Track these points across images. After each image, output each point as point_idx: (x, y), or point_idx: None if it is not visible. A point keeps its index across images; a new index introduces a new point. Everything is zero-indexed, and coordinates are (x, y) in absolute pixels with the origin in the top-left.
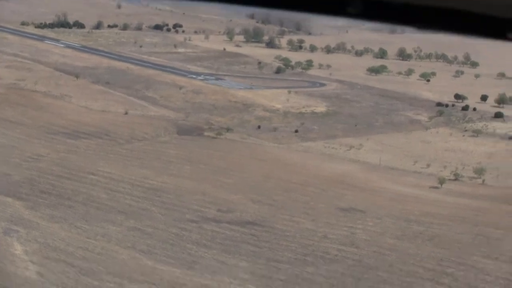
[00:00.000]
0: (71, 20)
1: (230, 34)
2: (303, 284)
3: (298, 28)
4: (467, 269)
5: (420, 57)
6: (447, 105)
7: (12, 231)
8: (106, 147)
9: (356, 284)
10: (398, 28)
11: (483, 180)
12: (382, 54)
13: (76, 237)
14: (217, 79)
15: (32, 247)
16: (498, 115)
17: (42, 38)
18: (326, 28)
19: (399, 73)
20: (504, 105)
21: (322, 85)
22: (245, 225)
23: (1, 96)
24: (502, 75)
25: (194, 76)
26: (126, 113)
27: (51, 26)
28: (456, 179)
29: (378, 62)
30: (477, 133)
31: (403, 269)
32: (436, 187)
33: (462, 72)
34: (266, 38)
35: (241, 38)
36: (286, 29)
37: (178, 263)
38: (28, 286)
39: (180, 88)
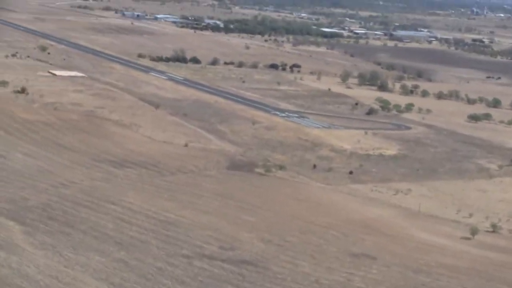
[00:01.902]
0: (189, 55)
1: (344, 76)
2: None
3: (419, 75)
4: None
5: None
6: None
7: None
8: (146, 178)
9: None
10: None
11: None
12: (495, 103)
13: (53, 266)
14: (300, 117)
15: (1, 273)
16: None
17: (148, 70)
18: (448, 77)
19: (501, 121)
20: None
21: (408, 128)
22: (238, 264)
23: (71, 123)
24: None
25: (277, 113)
26: (186, 145)
27: (167, 60)
28: (493, 231)
29: (487, 111)
30: None
31: None
32: (468, 238)
33: None
34: (389, 82)
35: (356, 81)
36: (406, 75)
37: None
38: None
39: (254, 123)
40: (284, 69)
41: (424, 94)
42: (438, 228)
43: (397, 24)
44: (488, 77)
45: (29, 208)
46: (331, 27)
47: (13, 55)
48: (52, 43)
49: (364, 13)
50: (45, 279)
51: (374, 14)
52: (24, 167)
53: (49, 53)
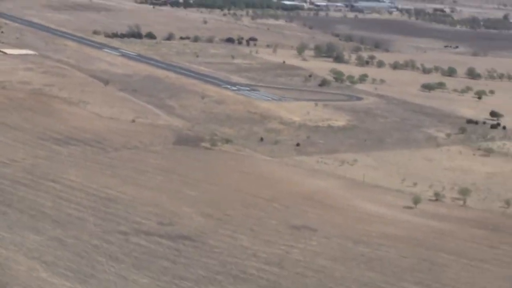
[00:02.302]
0: (145, 31)
1: (300, 48)
2: None
3: (376, 46)
4: None
5: (491, 77)
6: (477, 123)
7: None
8: (89, 155)
9: None
10: (481, 51)
11: (464, 202)
12: (450, 72)
13: (2, 243)
14: (251, 90)
15: None
16: None
17: (102, 47)
18: (406, 47)
19: (455, 90)
20: None
21: (359, 99)
22: (176, 240)
23: (18, 101)
24: None
25: (228, 87)
26: (133, 121)
27: (122, 36)
28: (436, 200)
29: (442, 80)
30: (489, 152)
31: None
32: (410, 207)
33: None
34: (346, 54)
35: (312, 53)
36: (363, 46)
37: (74, 276)
38: None
39: (203, 97)
40: (240, 43)
41: (380, 64)
42: (381, 198)
43: None
44: (446, 46)
45: None
46: (293, 0)
47: None
48: (6, 21)
49: None
50: None
51: None
52: None
53: (2, 32)
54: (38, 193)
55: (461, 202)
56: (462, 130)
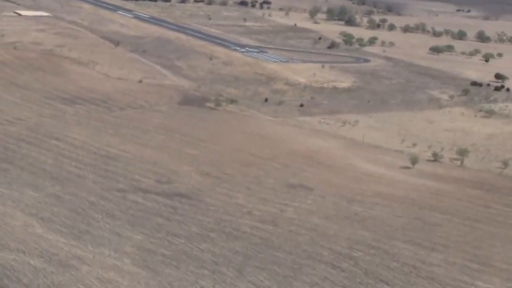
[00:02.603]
0: None
1: (313, 11)
2: (185, 260)
3: (389, 10)
4: (376, 254)
5: (501, 40)
6: (481, 85)
7: None
8: (94, 114)
9: (243, 263)
10: (493, 15)
11: (462, 162)
12: (460, 35)
13: None
14: (259, 51)
15: None
16: None
17: (116, 9)
18: (418, 11)
19: (463, 53)
20: None
21: (366, 61)
22: (172, 197)
23: (29, 61)
24: None
25: (237, 48)
26: (140, 81)
27: None
28: (434, 160)
29: (452, 43)
30: (491, 113)
31: (307, 250)
32: (408, 167)
33: None
34: (357, 17)
35: (325, 16)
36: (376, 10)
37: (69, 232)
38: None
39: (211, 58)
40: (253, 6)
41: (391, 27)
42: (380, 158)
43: None
44: (458, 10)
45: None
46: None
47: None
48: None
49: None
50: None
51: None
52: None
53: None
54: (40, 151)
55: (458, 163)
56: (466, 92)
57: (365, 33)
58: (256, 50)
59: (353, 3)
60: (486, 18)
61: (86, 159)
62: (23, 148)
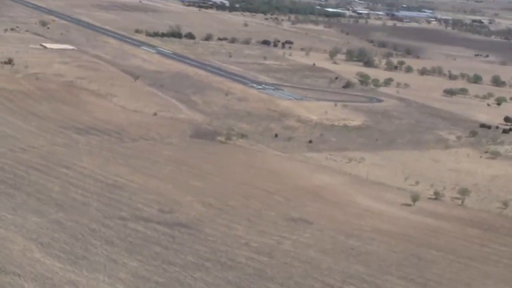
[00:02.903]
0: (185, 32)
1: (333, 52)
2: (192, 283)
3: (408, 53)
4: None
5: None
6: (490, 127)
7: None
8: (106, 144)
9: None
10: (510, 60)
11: (462, 202)
12: (476, 79)
13: (3, 224)
14: (275, 89)
15: None
16: None
17: (141, 45)
18: (437, 55)
19: (476, 96)
20: None
21: (379, 101)
22: (172, 226)
23: (49, 92)
24: None
25: (254, 85)
26: (155, 114)
27: (162, 35)
28: (436, 198)
29: (467, 86)
30: (496, 155)
31: (299, 282)
32: (409, 205)
33: None
34: (376, 58)
35: (344, 57)
36: (395, 52)
37: (66, 258)
38: None
39: (227, 94)
40: (275, 46)
41: (408, 70)
42: (382, 195)
43: (404, 5)
44: (476, 55)
45: None
46: (336, 8)
47: (12, 29)
48: (55, 18)
49: None
50: None
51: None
52: None
53: (48, 28)
54: (48, 178)
55: (459, 202)
56: (473, 134)
57: (382, 74)
58: (272, 88)
59: (373, 45)
60: (503, 63)
61: (93, 187)
62: (32, 175)
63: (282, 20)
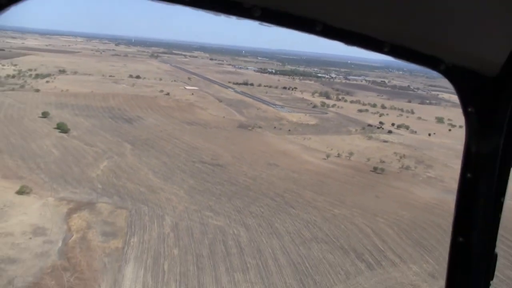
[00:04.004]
0: (249, 82)
1: (313, 92)
2: (206, 192)
3: (347, 93)
4: (295, 196)
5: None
6: (372, 125)
7: (111, 156)
8: (198, 129)
9: (232, 196)
10: (392, 98)
11: (349, 158)
12: (373, 105)
13: (133, 162)
14: (281, 107)
15: (110, 163)
16: (389, 132)
17: (227, 87)
18: (361, 95)
19: (375, 112)
20: (401, 128)
21: (326, 113)
22: (215, 166)
23: (181, 107)
24: (439, 119)
25: (271, 106)
26: (223, 117)
27: (239, 84)
28: (338, 156)
29: (369, 109)
30: (370, 138)
31: (263, 191)
32: (325, 159)
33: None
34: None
35: (318, 94)
36: (342, 93)
37: (163, 178)
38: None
39: (258, 109)
40: (289, 89)
41: (345, 100)
42: (314, 154)
43: (354, 74)
44: (378, 95)
45: (140, 140)
46: (322, 73)
47: (173, 81)
48: (195, 76)
49: (344, 69)
50: (125, 168)
51: (347, 70)
52: (150, 123)
53: (189, 79)
54: (167, 143)
55: (348, 158)
56: (363, 128)
57: (332, 103)
58: (280, 106)
59: (333, 89)
60: (388, 99)
61: (185, 147)
62: (161, 142)
63: (295, 78)
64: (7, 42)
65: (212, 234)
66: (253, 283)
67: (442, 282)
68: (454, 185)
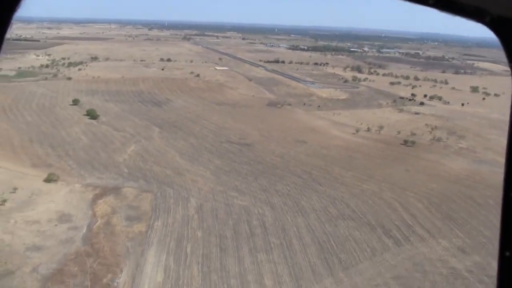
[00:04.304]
0: (281, 60)
1: (345, 67)
2: (233, 172)
3: (380, 66)
4: (323, 172)
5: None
6: (403, 98)
7: (139, 140)
8: (226, 109)
9: (259, 175)
10: (426, 69)
11: (379, 131)
12: (407, 77)
13: (161, 145)
14: (312, 83)
15: (137, 147)
16: (421, 103)
17: (258, 66)
18: (394, 68)
19: (404, 84)
20: (433, 99)
21: (357, 88)
22: (242, 145)
23: (210, 87)
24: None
25: (302, 82)
26: (253, 96)
27: (270, 62)
28: (367, 130)
29: (403, 81)
30: (401, 110)
31: (290, 169)
32: (354, 133)
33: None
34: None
35: (350, 69)
36: (374, 67)
37: (189, 159)
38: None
39: (288, 86)
40: (321, 65)
41: (377, 73)
42: (343, 129)
43: (387, 47)
44: (411, 67)
45: (169, 122)
46: (355, 48)
47: (204, 62)
48: (226, 57)
49: (377, 43)
50: (153, 150)
51: (380, 43)
52: (179, 105)
53: (220, 59)
54: (194, 124)
55: (378, 132)
56: (394, 101)
57: (364, 76)
58: (310, 83)
59: (365, 63)
60: (422, 70)
61: (213, 128)
62: (188, 123)
63: (327, 54)
64: (43, 32)
65: (236, 214)
66: (276, 263)
67: (472, 257)
68: (486, 155)
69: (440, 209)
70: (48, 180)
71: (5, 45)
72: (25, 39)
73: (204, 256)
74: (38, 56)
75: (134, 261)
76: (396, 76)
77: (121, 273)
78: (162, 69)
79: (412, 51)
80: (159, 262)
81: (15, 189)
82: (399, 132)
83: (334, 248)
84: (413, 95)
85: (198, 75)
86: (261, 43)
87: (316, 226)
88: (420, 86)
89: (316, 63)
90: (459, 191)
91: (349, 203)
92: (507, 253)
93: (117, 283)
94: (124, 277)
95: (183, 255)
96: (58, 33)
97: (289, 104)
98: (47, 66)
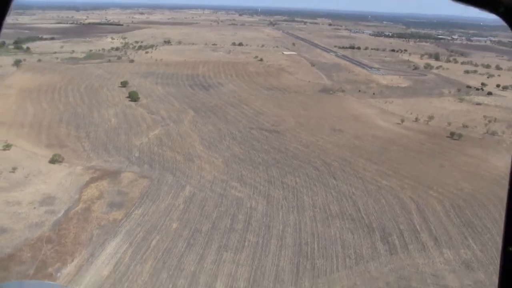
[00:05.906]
0: (357, 45)
1: (422, 54)
2: (246, 161)
3: (461, 54)
4: (345, 165)
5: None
6: (471, 87)
7: (167, 124)
8: (275, 94)
9: (272, 165)
10: None
11: (428, 122)
12: (488, 66)
13: (186, 128)
14: (377, 69)
15: (162, 131)
16: (489, 93)
17: (330, 51)
18: (477, 57)
19: (481, 74)
20: (507, 90)
21: (424, 75)
22: (271, 132)
23: (269, 72)
24: None
25: (367, 68)
26: (309, 81)
27: (345, 48)
28: (415, 120)
29: (482, 70)
30: (461, 100)
31: (309, 160)
32: (398, 124)
33: None
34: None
35: (427, 56)
36: (456, 54)
37: (208, 146)
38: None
39: (349, 72)
40: (397, 51)
41: (456, 61)
42: (389, 119)
43: (481, 35)
44: (496, 56)
45: (207, 106)
46: (444, 35)
47: (275, 47)
48: (301, 42)
49: (472, 31)
50: (176, 134)
51: (475, 31)
52: (227, 90)
53: (294, 44)
54: (232, 109)
55: (427, 122)
56: (459, 90)
57: (439, 64)
58: (376, 69)
59: (447, 51)
60: (510, 60)
61: (250, 113)
62: (226, 108)
63: (410, 40)
64: (133, 17)
65: (225, 207)
66: (239, 265)
67: (476, 274)
68: None
69: (461, 213)
70: (52, 161)
71: (3, 29)
72: (109, 23)
73: (165, 251)
74: (113, 39)
75: (90, 250)
76: (476, 65)
77: (71, 263)
78: (228, 53)
79: (507, 40)
80: (115, 254)
81: (14, 168)
82: (449, 124)
83: (314, 252)
84: (483, 84)
85: (261, 60)
86: (346, 29)
87: (306, 225)
88: (498, 75)
89: (393, 50)
90: (494, 193)
91: (357, 201)
92: (510, 248)
93: (60, 273)
94: (70, 268)
95: (144, 249)
96: (147, 17)
97: (343, 91)
98: (117, 49)
